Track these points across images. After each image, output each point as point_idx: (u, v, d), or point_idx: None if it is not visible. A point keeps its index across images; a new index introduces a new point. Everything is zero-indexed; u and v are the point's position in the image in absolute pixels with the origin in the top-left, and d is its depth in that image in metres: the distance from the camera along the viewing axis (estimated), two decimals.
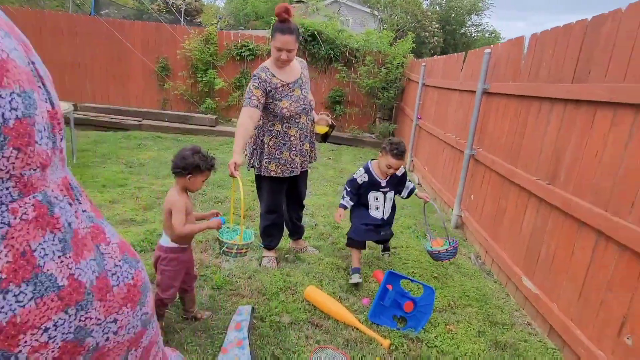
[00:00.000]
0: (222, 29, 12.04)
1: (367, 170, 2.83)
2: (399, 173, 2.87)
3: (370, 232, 2.87)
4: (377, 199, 2.89)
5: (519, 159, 3.01)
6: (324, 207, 4.26)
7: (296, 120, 2.67)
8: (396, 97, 8.07)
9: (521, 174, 2.90)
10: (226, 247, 2.14)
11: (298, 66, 2.74)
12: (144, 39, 8.19)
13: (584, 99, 2.30)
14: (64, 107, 5.19)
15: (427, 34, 19.79)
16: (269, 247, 2.97)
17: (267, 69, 2.59)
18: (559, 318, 2.27)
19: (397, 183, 2.93)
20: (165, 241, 1.99)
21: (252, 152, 2.76)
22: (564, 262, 2.34)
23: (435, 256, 2.84)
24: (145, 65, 8.20)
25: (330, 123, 2.97)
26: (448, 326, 2.35)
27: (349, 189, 2.88)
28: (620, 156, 1.98)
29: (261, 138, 2.68)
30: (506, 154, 3.23)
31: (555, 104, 2.61)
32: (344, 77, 8.34)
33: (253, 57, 8.26)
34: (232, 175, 2.36)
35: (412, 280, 2.46)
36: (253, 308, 2.26)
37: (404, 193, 3.03)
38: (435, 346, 2.15)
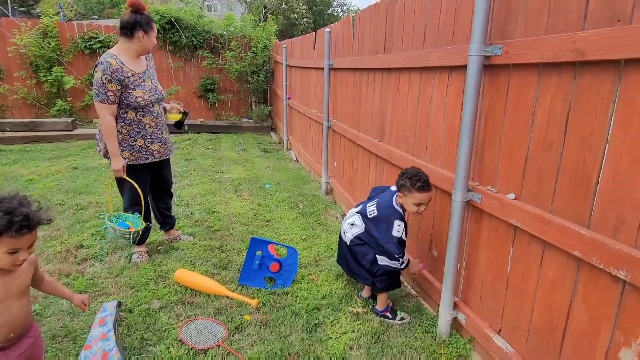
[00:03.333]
0: (69, 20, 10.66)
1: (403, 218, 2.17)
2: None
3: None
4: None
5: (360, 124, 3.46)
6: (200, 196, 4.28)
7: (150, 109, 2.70)
8: (267, 80, 8.25)
9: (363, 136, 3.34)
10: (123, 234, 2.51)
11: (143, 57, 2.74)
12: None
13: (392, 67, 2.75)
14: None
15: (296, 15, 20.21)
16: (139, 241, 2.92)
17: (116, 56, 2.53)
18: None
19: None
20: None
21: (99, 136, 2.70)
22: None
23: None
24: None
25: (183, 110, 3.03)
26: (311, 276, 2.67)
27: (401, 252, 2.12)
28: (416, 110, 2.45)
29: (116, 129, 2.62)
30: (352, 121, 3.67)
31: (377, 73, 3.06)
32: (211, 64, 8.19)
33: (106, 49, 7.55)
34: (121, 178, 2.58)
35: (276, 244, 2.71)
36: (119, 302, 2.26)
37: None
38: (298, 295, 2.44)
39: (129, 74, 2.55)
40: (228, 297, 2.39)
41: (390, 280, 2.24)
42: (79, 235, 3.21)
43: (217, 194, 4.39)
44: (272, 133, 8.24)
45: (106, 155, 2.66)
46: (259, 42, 7.92)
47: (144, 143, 2.71)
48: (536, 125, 1.54)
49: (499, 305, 1.81)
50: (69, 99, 7.57)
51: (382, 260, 2.15)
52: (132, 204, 2.79)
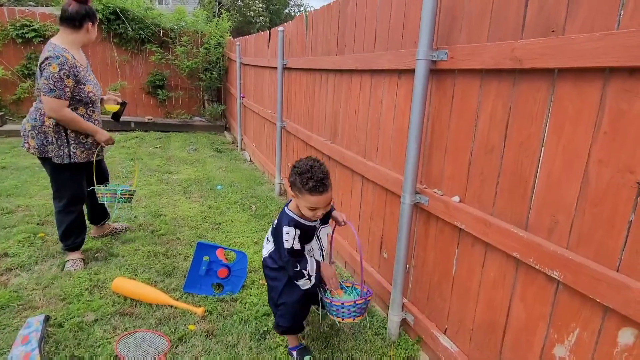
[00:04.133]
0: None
1: (296, 224, 1.75)
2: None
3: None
4: (312, 248, 1.90)
5: (313, 125, 3.42)
6: (146, 198, 4.05)
7: (96, 104, 2.66)
8: (220, 77, 8.02)
9: (316, 138, 3.31)
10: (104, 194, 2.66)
11: (81, 50, 2.61)
12: None
13: (344, 69, 2.74)
14: None
15: (252, 13, 19.91)
16: (74, 247, 2.70)
17: (67, 50, 2.41)
18: (348, 251, 2.75)
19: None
20: None
21: (51, 143, 2.49)
22: (347, 204, 2.82)
23: (334, 311, 1.84)
24: None
25: (121, 101, 2.91)
26: (262, 281, 2.59)
27: (296, 261, 1.77)
28: (367, 112, 2.46)
29: (42, 122, 2.47)
30: (305, 122, 3.63)
31: (330, 74, 3.04)
32: (161, 59, 7.82)
33: (41, 38, 6.97)
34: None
35: (224, 248, 2.60)
36: (47, 317, 2.05)
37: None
38: (248, 301, 2.36)
39: (80, 69, 2.46)
40: (172, 307, 2.25)
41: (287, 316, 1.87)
42: (4, 242, 2.90)
43: (164, 195, 4.18)
44: (225, 132, 8.01)
45: (40, 152, 2.49)
46: (211, 39, 7.68)
47: (94, 140, 2.61)
48: (479, 130, 1.58)
49: (445, 305, 1.85)
50: None
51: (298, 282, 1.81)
52: (74, 202, 2.63)
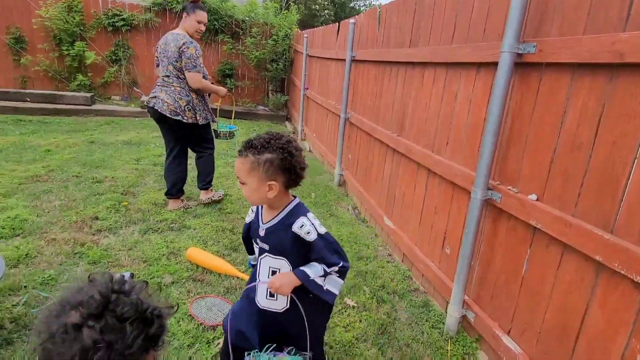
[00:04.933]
0: None
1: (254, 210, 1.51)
2: (301, 232, 1.31)
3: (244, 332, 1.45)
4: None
5: (379, 117, 3.44)
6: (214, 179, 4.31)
7: (207, 76, 3.38)
8: (285, 69, 8.24)
9: (381, 130, 3.32)
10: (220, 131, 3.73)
11: None
12: None
13: (417, 61, 2.73)
14: None
15: (317, 6, 20.08)
16: (211, 182, 3.60)
17: (191, 38, 3.17)
18: (407, 244, 2.76)
19: (294, 245, 1.34)
20: None
21: (199, 110, 3.23)
22: (410, 198, 2.82)
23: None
24: None
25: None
26: None
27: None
28: (438, 106, 2.43)
29: (192, 97, 3.20)
30: (370, 114, 3.65)
31: (400, 66, 3.03)
32: (231, 49, 8.19)
33: (129, 27, 7.62)
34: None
35: None
36: (132, 274, 2.28)
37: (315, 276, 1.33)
38: None
39: (200, 53, 3.18)
40: (238, 278, 2.41)
41: None
42: (95, 207, 3.26)
43: (230, 177, 4.42)
44: (286, 122, 8.24)
45: (193, 119, 3.19)
46: (280, 30, 7.90)
47: (208, 108, 3.36)
48: (566, 126, 1.52)
49: (511, 306, 1.80)
50: (89, 74, 7.65)
51: None
52: (213, 147, 3.53)
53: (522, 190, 1.74)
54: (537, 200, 1.64)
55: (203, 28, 3.26)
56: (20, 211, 3.03)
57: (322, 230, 1.32)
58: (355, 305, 2.28)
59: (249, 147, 1.28)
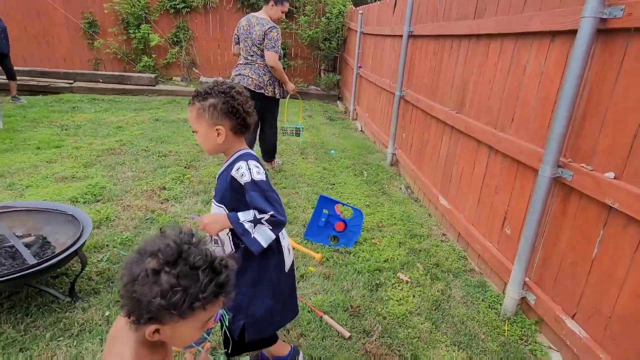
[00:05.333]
0: None
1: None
2: (237, 174, 1.30)
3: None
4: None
5: (437, 94, 3.33)
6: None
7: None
8: (338, 47, 8.15)
9: (438, 107, 3.22)
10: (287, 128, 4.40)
11: None
12: None
13: (481, 33, 2.59)
14: None
15: None
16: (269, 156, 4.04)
17: (275, 23, 3.59)
18: (463, 224, 2.69)
19: (231, 190, 1.33)
20: None
21: (277, 86, 3.67)
22: (468, 177, 2.73)
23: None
24: (70, 22, 7.61)
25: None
26: (374, 240, 2.71)
27: None
28: (504, 80, 2.31)
29: (272, 74, 3.60)
30: (427, 91, 3.54)
31: (463, 40, 2.90)
32: (285, 29, 8.23)
33: (189, 9, 7.90)
34: (294, 95, 3.96)
35: (342, 204, 2.76)
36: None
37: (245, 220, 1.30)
38: (361, 256, 2.50)
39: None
40: (293, 249, 2.51)
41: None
42: (162, 178, 3.51)
43: (284, 154, 4.53)
44: (338, 102, 8.21)
45: (272, 93, 3.63)
46: (334, 8, 7.80)
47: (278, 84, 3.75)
48: None
49: (577, 289, 1.72)
50: (153, 55, 8.09)
51: None
52: (273, 124, 3.88)
53: (597, 167, 1.63)
54: (615, 178, 1.53)
55: (283, 16, 3.73)
56: (99, 180, 3.35)
57: (258, 177, 1.28)
58: (409, 280, 2.29)
59: (195, 95, 1.31)
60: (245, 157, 1.33)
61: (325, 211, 2.70)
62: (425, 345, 1.82)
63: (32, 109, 5.80)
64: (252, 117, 1.35)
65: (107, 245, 2.40)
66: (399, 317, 1.98)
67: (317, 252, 2.48)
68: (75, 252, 1.78)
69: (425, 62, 3.66)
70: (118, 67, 8.05)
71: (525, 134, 2.10)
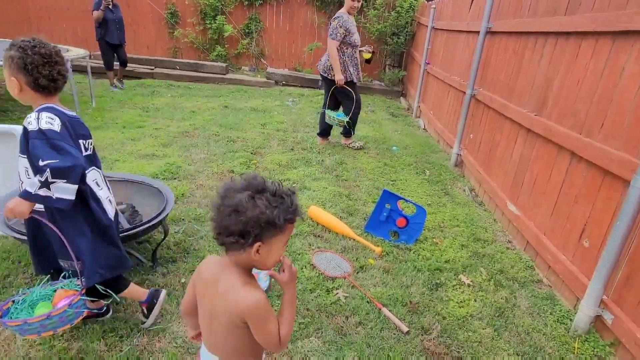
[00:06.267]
0: None
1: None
2: (25, 123, 1.34)
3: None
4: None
5: (513, 94, 3.16)
6: (329, 146, 4.51)
7: (357, 48, 4.21)
8: (406, 42, 7.98)
9: (514, 108, 3.07)
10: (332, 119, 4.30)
11: None
12: None
13: (572, 31, 2.42)
14: (80, 53, 5.39)
15: None
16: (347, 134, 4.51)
17: (344, 13, 4.02)
18: (533, 232, 2.56)
19: (25, 140, 1.34)
20: None
21: (329, 67, 4.11)
22: (543, 184, 2.58)
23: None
24: (154, 12, 8.21)
25: (372, 51, 4.52)
26: (435, 239, 2.67)
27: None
28: (595, 82, 2.14)
29: (343, 58, 4.09)
30: (503, 91, 3.38)
31: (549, 37, 2.72)
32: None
33: (262, 1, 8.17)
34: (342, 87, 4.14)
35: (406, 200, 2.74)
36: None
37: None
38: (421, 254, 2.48)
39: (350, 25, 4.02)
40: (354, 240, 2.55)
41: None
42: (231, 162, 3.72)
43: (346, 148, 4.57)
44: (401, 98, 8.07)
45: (332, 77, 4.10)
46: (405, 1, 7.64)
47: (355, 68, 4.19)
48: None
49: None
50: (225, 45, 8.49)
51: None
52: (351, 109, 4.23)
53: None
54: None
55: (357, 5, 4.05)
56: (176, 159, 3.62)
57: (46, 126, 1.25)
58: (471, 283, 2.23)
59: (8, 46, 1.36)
60: (42, 110, 1.33)
61: (388, 206, 2.70)
62: (486, 351, 1.78)
63: (119, 92, 6.38)
64: (57, 81, 1.36)
65: (182, 219, 2.61)
66: (459, 319, 1.95)
67: (378, 246, 2.49)
68: (160, 222, 1.96)
69: (502, 60, 3.48)
70: (194, 56, 8.56)
71: (616, 141, 1.95)
